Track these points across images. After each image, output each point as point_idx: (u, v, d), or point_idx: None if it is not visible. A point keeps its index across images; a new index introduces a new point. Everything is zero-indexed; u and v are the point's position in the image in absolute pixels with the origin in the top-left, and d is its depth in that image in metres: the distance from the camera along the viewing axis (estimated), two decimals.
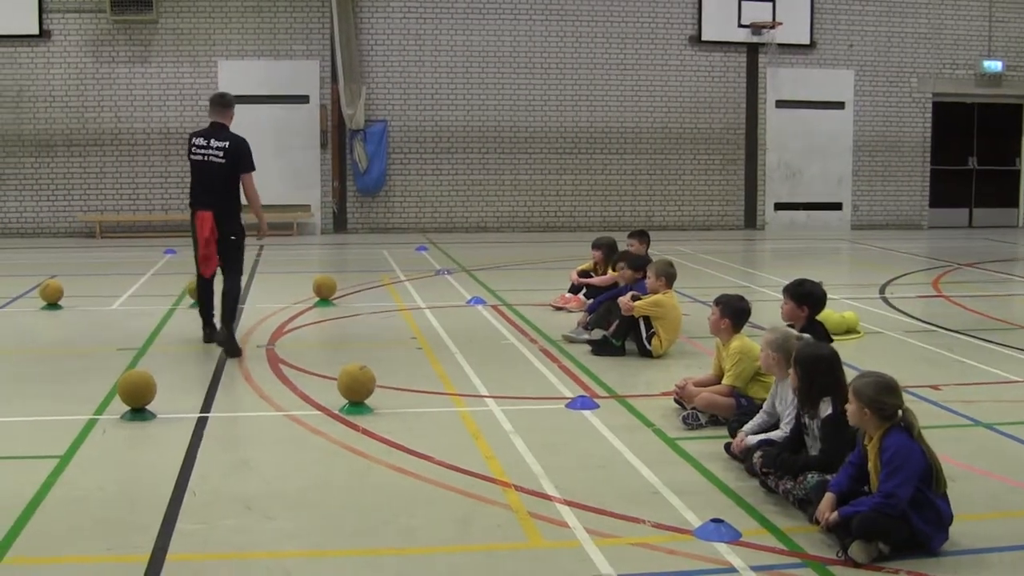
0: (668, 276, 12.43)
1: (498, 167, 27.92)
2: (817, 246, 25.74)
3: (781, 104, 28.96)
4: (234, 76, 26.58)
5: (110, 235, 26.61)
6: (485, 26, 27.58)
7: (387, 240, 25.64)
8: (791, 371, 7.70)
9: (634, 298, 12.45)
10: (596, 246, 15.72)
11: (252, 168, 13.00)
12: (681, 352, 12.57)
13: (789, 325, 9.59)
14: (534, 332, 13.87)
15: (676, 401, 9.86)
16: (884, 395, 6.73)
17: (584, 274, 15.80)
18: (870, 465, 6.80)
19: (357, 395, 9.93)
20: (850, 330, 13.84)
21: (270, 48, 27.03)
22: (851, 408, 6.86)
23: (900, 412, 6.74)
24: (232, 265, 13.04)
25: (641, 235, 15.23)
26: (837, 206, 29.68)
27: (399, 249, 23.53)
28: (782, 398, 8.16)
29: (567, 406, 10.08)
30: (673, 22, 28.26)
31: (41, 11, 26.29)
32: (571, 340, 13.13)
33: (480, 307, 15.87)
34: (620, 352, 12.37)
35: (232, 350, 12.45)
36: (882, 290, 17.92)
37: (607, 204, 28.30)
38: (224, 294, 12.87)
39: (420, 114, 27.58)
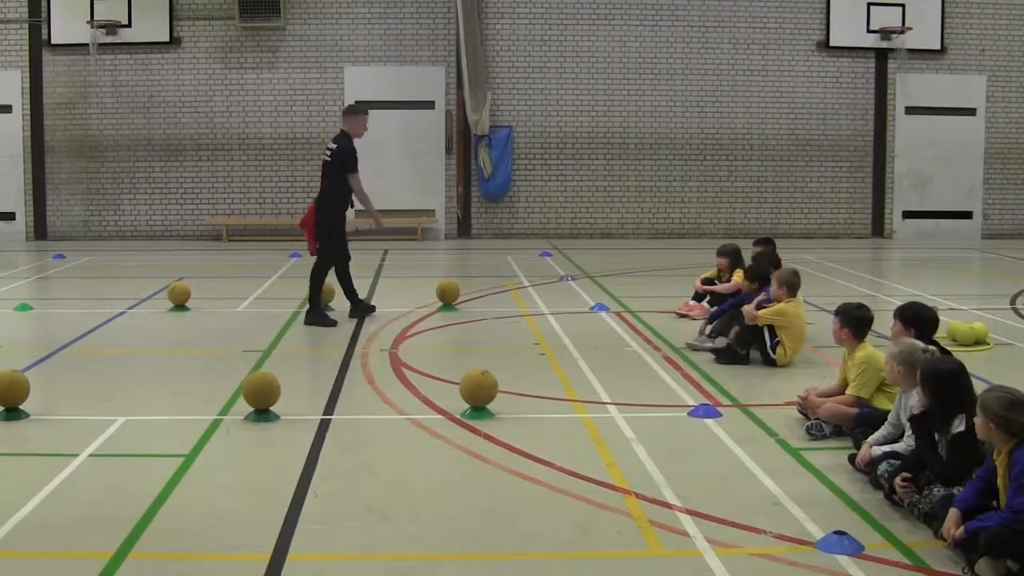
0: (791, 285, 12.26)
1: (623, 173, 27.83)
2: (946, 255, 25.31)
3: (911, 111, 28.47)
4: (360, 82, 26.89)
5: (237, 238, 26.99)
6: (611, 31, 27.52)
7: (511, 246, 25.68)
8: (919, 389, 7.55)
9: (758, 306, 12.32)
10: (721, 253, 15.58)
11: (354, 169, 14.72)
12: (806, 361, 12.40)
13: None
14: (657, 339, 13.78)
15: (800, 411, 9.72)
16: (1011, 411, 6.56)
17: (708, 281, 15.67)
18: (999, 480, 6.63)
19: (479, 400, 9.94)
20: (979, 341, 13.56)
21: (396, 54, 27.25)
22: (978, 422, 6.71)
23: None
24: (319, 253, 14.94)
25: (766, 242, 15.06)
26: (967, 215, 29.09)
27: (523, 255, 23.55)
28: (907, 410, 8.00)
29: (689, 414, 10.00)
30: (800, 27, 27.95)
31: (172, 19, 26.81)
32: (694, 348, 13.04)
33: (603, 313, 15.80)
34: (744, 361, 12.26)
35: (310, 320, 14.71)
36: (1013, 300, 17.52)
37: (733, 211, 28.08)
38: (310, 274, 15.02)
39: (545, 119, 27.61)
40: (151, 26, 26.86)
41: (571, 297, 17.54)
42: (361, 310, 15.30)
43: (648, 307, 16.29)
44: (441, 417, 9.93)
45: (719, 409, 10.15)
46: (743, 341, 12.31)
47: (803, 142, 28.16)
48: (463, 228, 27.65)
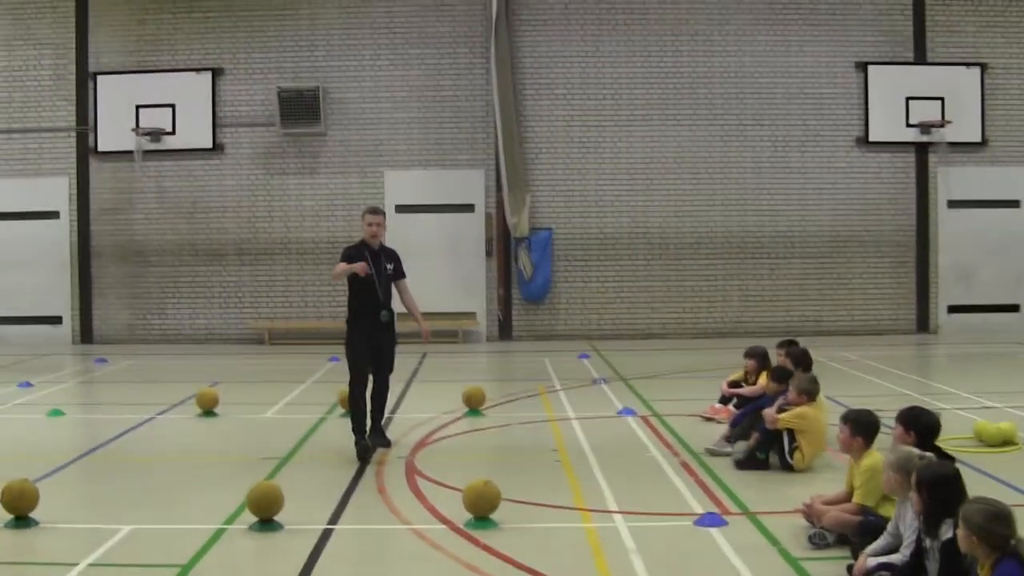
0: (809, 392, 12.15)
1: (664, 273, 27.79)
2: (990, 350, 24.98)
3: (953, 204, 28.30)
4: (400, 185, 27.15)
5: (279, 342, 27.14)
6: (648, 131, 27.63)
7: (552, 348, 25.60)
8: (912, 492, 7.43)
9: (780, 410, 12.19)
10: (748, 355, 15.42)
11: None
12: (826, 465, 12.21)
13: None
14: (678, 444, 13.64)
15: (805, 519, 9.56)
16: (994, 523, 6.43)
17: (735, 384, 15.51)
18: None
19: (482, 510, 9.86)
20: (1007, 441, 13.32)
21: (436, 158, 27.50)
22: (960, 534, 6.58)
23: (1012, 542, 6.43)
24: None
25: (789, 344, 14.89)
26: (1015, 308, 28.75)
27: (562, 357, 23.47)
28: (904, 519, 7.85)
29: (695, 523, 9.85)
30: (840, 124, 27.94)
31: (215, 126, 27.21)
32: (713, 453, 12.88)
33: (630, 418, 15.67)
34: (763, 466, 12.09)
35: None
36: None
37: (775, 309, 27.90)
38: None
39: (585, 220, 27.67)
40: (195, 133, 27.30)
41: (600, 401, 17.42)
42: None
43: (676, 410, 16.14)
44: (444, 527, 9.84)
45: (726, 518, 10.00)
46: (762, 445, 12.16)
47: (844, 238, 28.02)
48: (504, 331, 27.64)
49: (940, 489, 7.24)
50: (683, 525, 9.88)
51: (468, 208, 27.66)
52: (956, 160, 28.19)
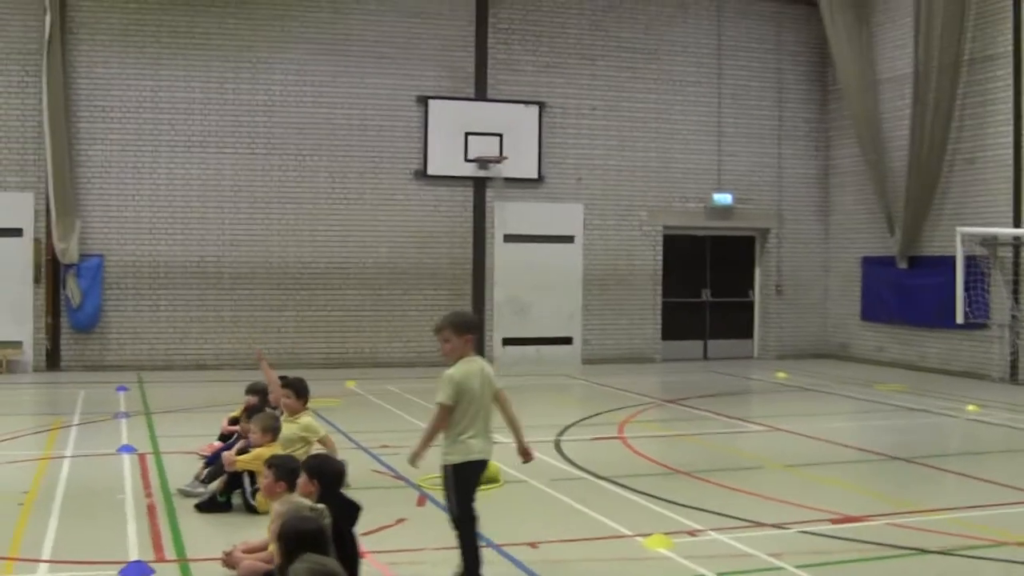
0: (274, 430, 11.98)
1: (218, 303, 27.20)
2: (536, 382, 25.46)
3: (509, 238, 28.93)
4: None
5: None
6: (206, 158, 27.04)
7: (97, 379, 24.62)
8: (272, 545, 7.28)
9: (240, 451, 11.96)
10: (250, 391, 15.01)
11: None
12: None
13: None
14: (159, 484, 13.23)
15: (227, 565, 9.30)
16: None
17: (235, 421, 15.13)
18: None
19: None
20: (491, 480, 13.41)
21: None
22: None
23: None
24: None
25: (283, 379, 14.60)
26: (568, 340, 29.62)
27: (100, 389, 22.61)
28: None
29: (120, 572, 9.43)
30: (399, 156, 28.11)
31: None
32: (186, 494, 12.51)
33: (127, 455, 15.14)
34: (227, 508, 11.81)
35: None
36: (562, 432, 17.67)
37: (331, 341, 27.76)
38: None
39: (138, 248, 26.79)
40: None
41: (108, 437, 16.71)
42: None
43: (180, 447, 15.72)
44: None
45: (160, 565, 9.65)
46: (225, 488, 11.89)
47: (402, 270, 28.15)
48: (52, 360, 26.47)
49: (292, 543, 7.08)
50: (108, 575, 9.46)
51: (16, 232, 26.36)
52: (512, 195, 28.85)
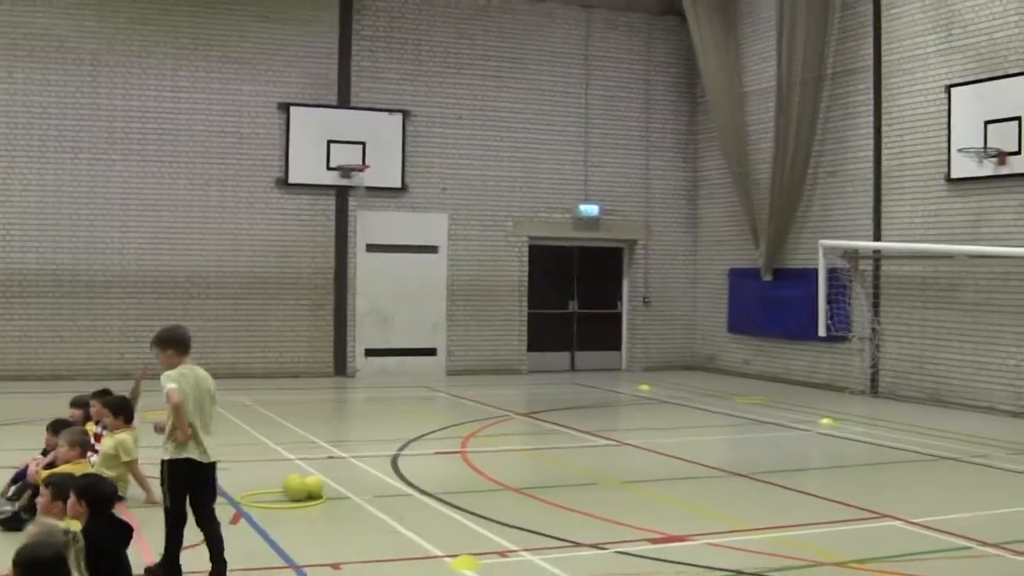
0: (82, 445, 11.61)
1: (74, 312, 26.47)
2: (396, 394, 25.26)
3: (372, 248, 28.63)
4: None
5: None
6: (62, 164, 26.31)
7: None
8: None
9: (48, 466, 11.55)
10: (75, 404, 14.51)
11: None
12: None
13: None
14: None
15: None
16: None
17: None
18: None
19: None
20: (312, 496, 13.18)
21: None
22: None
23: None
24: None
25: (104, 394, 14.19)
26: (432, 351, 29.37)
27: None
28: None
29: None
30: (260, 164, 27.71)
31: None
32: None
33: None
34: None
35: None
36: (404, 446, 17.40)
37: (192, 350, 27.13)
38: None
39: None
40: None
41: None
42: None
43: (8, 462, 15.19)
44: None
45: None
46: (30, 504, 11.45)
47: (262, 279, 27.73)
48: None
49: (27, 570, 6.72)
50: None
51: None
52: (375, 204, 28.57)
